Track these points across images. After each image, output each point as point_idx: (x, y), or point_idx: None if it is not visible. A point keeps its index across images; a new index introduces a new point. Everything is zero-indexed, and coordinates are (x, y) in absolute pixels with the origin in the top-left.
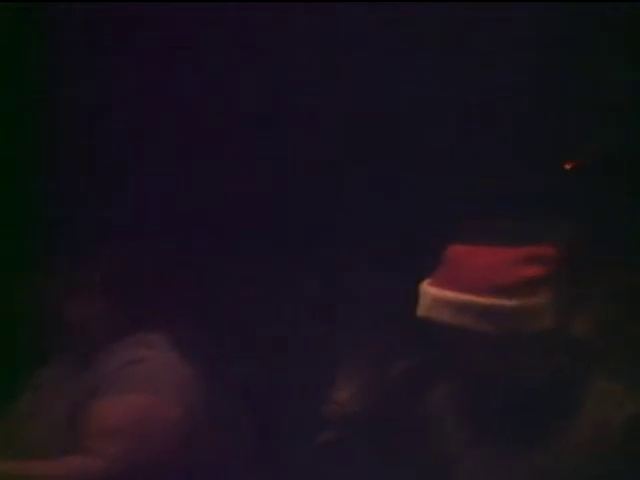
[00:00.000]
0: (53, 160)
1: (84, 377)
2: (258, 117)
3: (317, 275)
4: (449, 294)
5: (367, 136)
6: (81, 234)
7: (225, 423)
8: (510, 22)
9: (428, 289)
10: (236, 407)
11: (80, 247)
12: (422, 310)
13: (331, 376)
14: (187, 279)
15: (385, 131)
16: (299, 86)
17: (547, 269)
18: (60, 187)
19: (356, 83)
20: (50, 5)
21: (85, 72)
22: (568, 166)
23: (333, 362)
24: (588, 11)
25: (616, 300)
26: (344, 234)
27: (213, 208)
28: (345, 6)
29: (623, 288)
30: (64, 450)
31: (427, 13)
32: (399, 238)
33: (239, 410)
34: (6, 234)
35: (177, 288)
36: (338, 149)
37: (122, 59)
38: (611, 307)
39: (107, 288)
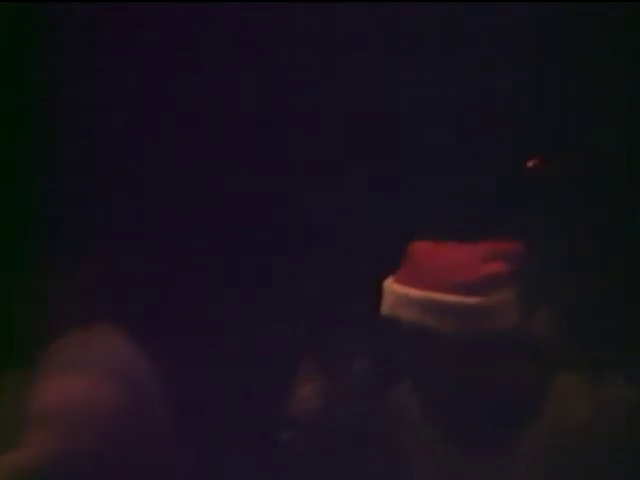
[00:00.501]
0: (53, 160)
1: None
2: (258, 117)
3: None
4: (413, 291)
5: (367, 136)
6: (81, 234)
7: (175, 417)
8: (510, 22)
9: (392, 286)
10: (189, 404)
11: (80, 247)
12: (386, 307)
13: (292, 375)
14: (184, 279)
15: (385, 131)
16: (299, 86)
17: (510, 266)
18: (60, 187)
19: (356, 83)
20: (50, 5)
21: (85, 72)
22: (530, 164)
23: (293, 361)
24: (588, 11)
25: (578, 298)
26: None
27: (213, 208)
28: (345, 6)
29: (589, 287)
30: None
31: (427, 13)
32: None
33: (192, 407)
34: (6, 234)
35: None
36: (338, 149)
37: (122, 59)
38: (572, 305)
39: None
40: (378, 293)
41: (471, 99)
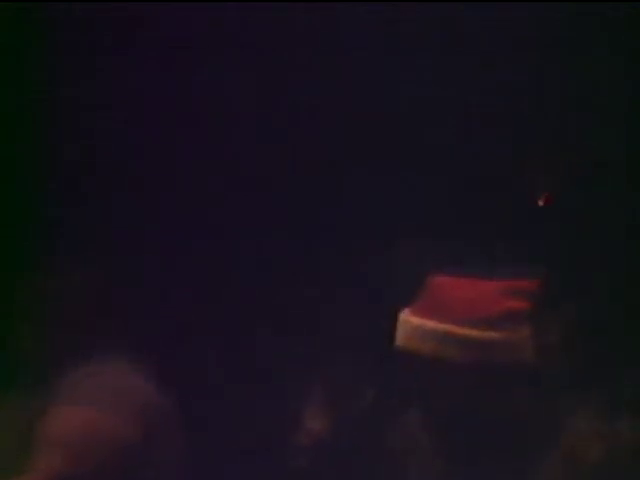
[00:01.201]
0: (53, 160)
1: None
2: (258, 116)
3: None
4: (430, 324)
5: (367, 136)
6: (81, 234)
7: (183, 444)
8: (510, 22)
9: (408, 318)
10: (199, 428)
11: (80, 247)
12: (401, 339)
13: (301, 402)
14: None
15: (385, 131)
16: (299, 86)
17: (529, 303)
18: (60, 187)
19: (356, 83)
20: (50, 5)
21: (85, 72)
22: (541, 202)
23: (304, 388)
24: (588, 11)
25: (596, 333)
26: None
27: (213, 208)
28: (345, 6)
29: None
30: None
31: (427, 13)
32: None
33: (201, 430)
34: (5, 234)
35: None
36: (338, 149)
37: (122, 59)
38: (589, 340)
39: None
40: (385, 320)
41: (471, 99)
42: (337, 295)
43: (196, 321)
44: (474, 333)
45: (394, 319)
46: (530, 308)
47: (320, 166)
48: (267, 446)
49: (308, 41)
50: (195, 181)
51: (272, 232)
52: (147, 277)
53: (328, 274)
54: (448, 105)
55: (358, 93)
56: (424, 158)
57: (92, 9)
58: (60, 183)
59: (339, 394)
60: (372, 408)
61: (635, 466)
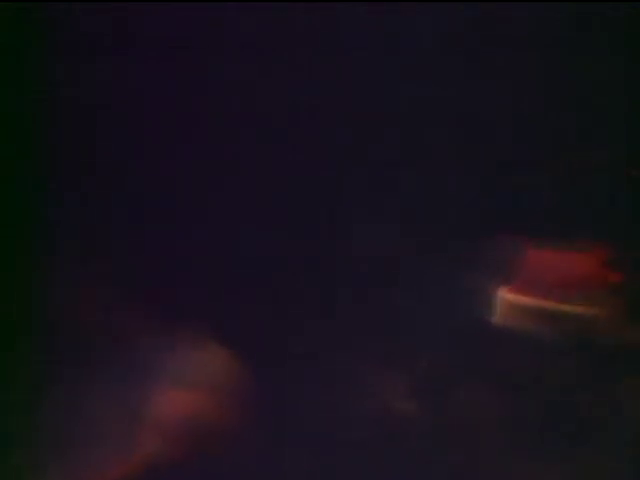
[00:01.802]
0: (53, 160)
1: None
2: (258, 116)
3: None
4: (528, 300)
5: (367, 136)
6: (81, 234)
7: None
8: (510, 22)
9: (505, 295)
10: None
11: (80, 247)
12: (499, 316)
13: (351, 376)
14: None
15: (385, 131)
16: (299, 86)
17: (622, 275)
18: (60, 187)
19: (356, 83)
20: (50, 5)
21: (85, 72)
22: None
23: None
24: (588, 11)
25: None
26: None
27: (213, 208)
28: (345, 6)
29: None
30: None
31: (427, 13)
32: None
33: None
34: (6, 234)
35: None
36: (338, 149)
37: (122, 59)
38: None
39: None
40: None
41: (471, 99)
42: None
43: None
44: (574, 308)
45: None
46: (624, 280)
47: (320, 166)
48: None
49: (308, 41)
50: (195, 181)
51: (273, 232)
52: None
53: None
54: (448, 105)
55: (358, 93)
56: (424, 158)
57: (92, 9)
58: (60, 183)
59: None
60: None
61: None
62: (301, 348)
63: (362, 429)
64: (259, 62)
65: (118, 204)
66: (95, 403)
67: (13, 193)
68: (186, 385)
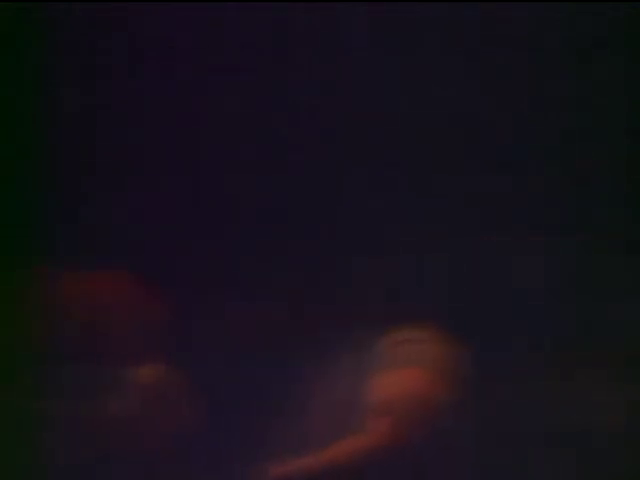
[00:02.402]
0: (53, 160)
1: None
2: (258, 117)
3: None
4: None
5: (367, 136)
6: (81, 234)
7: None
8: (510, 22)
9: None
10: None
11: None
12: None
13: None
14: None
15: (385, 131)
16: (299, 86)
17: None
18: (60, 187)
19: (356, 83)
20: (50, 5)
21: (85, 72)
22: None
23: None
24: (588, 11)
25: None
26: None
27: (213, 208)
28: (345, 6)
29: None
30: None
31: (427, 13)
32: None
33: None
34: (5, 234)
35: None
36: (338, 149)
37: (122, 59)
38: None
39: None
40: None
41: (470, 100)
42: None
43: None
44: None
45: None
46: None
47: (320, 166)
48: None
49: (308, 41)
50: (194, 181)
51: (272, 232)
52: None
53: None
54: (448, 105)
55: (358, 93)
56: (423, 159)
57: (92, 9)
58: (60, 183)
59: None
60: None
61: None
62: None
63: None
64: (259, 62)
65: (118, 204)
66: (310, 390)
67: (13, 193)
68: (398, 366)
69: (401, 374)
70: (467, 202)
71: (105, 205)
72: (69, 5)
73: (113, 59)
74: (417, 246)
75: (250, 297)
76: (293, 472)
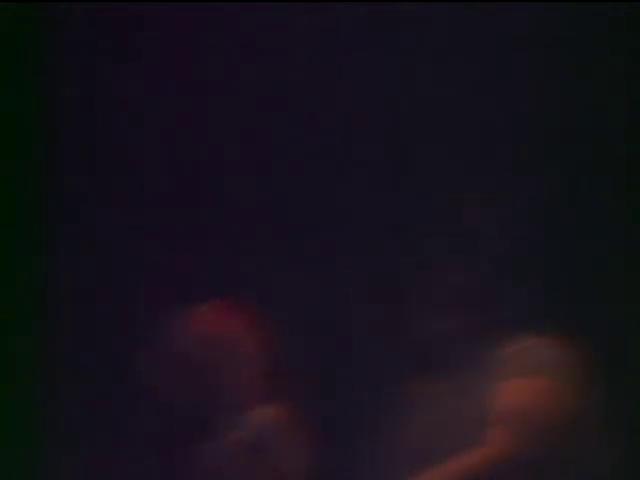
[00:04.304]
0: (53, 160)
1: None
2: (258, 117)
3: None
4: None
5: (367, 137)
6: (82, 234)
7: None
8: (510, 22)
9: None
10: None
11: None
12: None
13: None
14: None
15: (385, 133)
16: (298, 86)
17: None
18: (60, 187)
19: (356, 83)
20: (50, 5)
21: (85, 72)
22: None
23: None
24: (588, 11)
25: None
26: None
27: (213, 208)
28: (345, 6)
29: None
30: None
31: (427, 13)
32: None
33: None
34: (5, 234)
35: None
36: (338, 149)
37: (122, 59)
38: None
39: None
40: None
41: (470, 100)
42: None
43: None
44: None
45: None
46: None
47: (320, 167)
48: None
49: (308, 41)
50: (194, 181)
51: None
52: None
53: None
54: (448, 106)
55: (358, 93)
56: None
57: (92, 9)
58: (60, 183)
59: None
60: None
61: None
62: None
63: None
64: (259, 62)
65: (118, 204)
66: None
67: (13, 193)
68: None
69: (522, 383)
70: None
71: None
72: (69, 5)
73: (113, 59)
74: None
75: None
76: None
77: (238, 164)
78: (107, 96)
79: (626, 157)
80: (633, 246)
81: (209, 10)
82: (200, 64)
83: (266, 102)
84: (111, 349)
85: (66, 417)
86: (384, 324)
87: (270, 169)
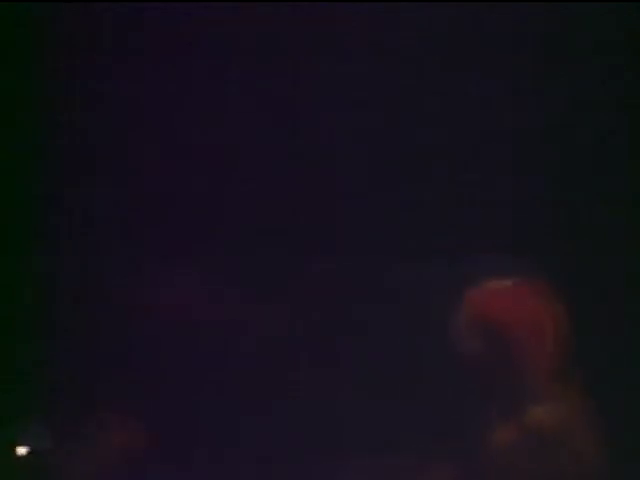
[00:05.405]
0: (53, 160)
1: None
2: (258, 117)
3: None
4: None
5: (367, 140)
6: (82, 234)
7: None
8: (510, 22)
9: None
10: None
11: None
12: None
13: None
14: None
15: (385, 135)
16: (298, 87)
17: None
18: (60, 187)
19: (355, 86)
20: (50, 5)
21: (85, 72)
22: None
23: None
24: (588, 11)
25: None
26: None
27: (213, 209)
28: (345, 6)
29: None
30: None
31: (427, 13)
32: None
33: None
34: (5, 235)
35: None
36: (338, 154)
37: (122, 59)
38: None
39: None
40: None
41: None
42: None
43: None
44: None
45: None
46: None
47: (319, 169)
48: None
49: (308, 41)
50: (194, 181)
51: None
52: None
53: None
54: (448, 107)
55: (358, 95)
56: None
57: (92, 9)
58: (60, 183)
59: None
60: None
61: None
62: None
63: None
64: (259, 62)
65: (118, 203)
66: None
67: (13, 193)
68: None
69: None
70: None
71: None
72: (69, 5)
73: (113, 59)
74: None
75: None
76: None
77: (238, 164)
78: (107, 96)
79: (626, 157)
80: (633, 246)
81: (209, 10)
82: (200, 64)
83: (266, 102)
84: (111, 349)
85: (66, 417)
86: None
87: (272, 170)
